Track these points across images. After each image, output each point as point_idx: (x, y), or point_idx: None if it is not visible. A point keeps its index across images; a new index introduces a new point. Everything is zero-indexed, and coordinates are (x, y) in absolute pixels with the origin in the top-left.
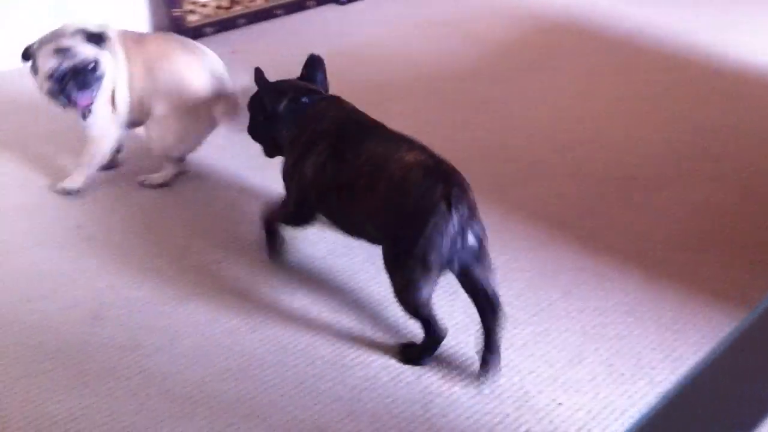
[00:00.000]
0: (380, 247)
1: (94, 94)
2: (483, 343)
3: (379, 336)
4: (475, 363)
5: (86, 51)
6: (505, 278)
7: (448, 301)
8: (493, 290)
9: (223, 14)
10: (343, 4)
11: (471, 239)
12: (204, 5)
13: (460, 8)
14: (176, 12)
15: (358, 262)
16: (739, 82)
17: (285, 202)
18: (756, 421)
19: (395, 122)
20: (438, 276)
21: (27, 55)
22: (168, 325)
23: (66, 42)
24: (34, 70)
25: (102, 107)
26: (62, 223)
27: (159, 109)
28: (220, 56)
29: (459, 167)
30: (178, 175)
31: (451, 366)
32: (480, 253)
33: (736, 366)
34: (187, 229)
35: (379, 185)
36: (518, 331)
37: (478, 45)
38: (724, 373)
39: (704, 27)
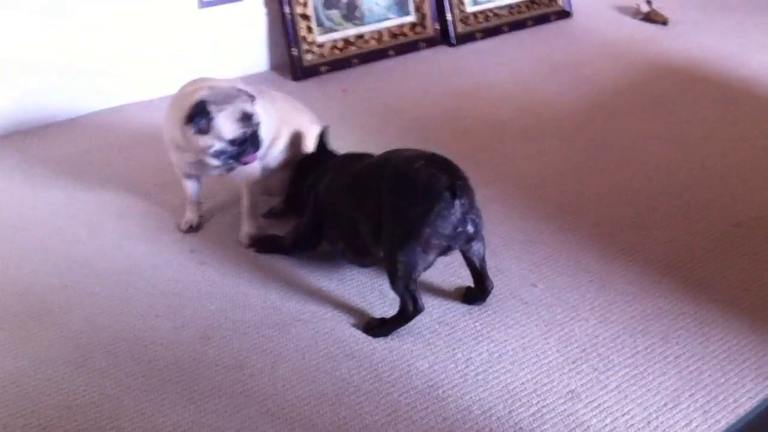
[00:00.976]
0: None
1: (260, 152)
2: (475, 285)
3: (471, 369)
4: (569, 402)
5: (259, 114)
6: (603, 320)
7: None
8: (482, 261)
9: (338, 54)
10: (454, 45)
11: (470, 227)
12: (320, 45)
13: (576, 51)
14: (294, 51)
15: (454, 297)
16: None
17: (297, 227)
18: None
19: (507, 163)
20: (435, 258)
21: (199, 116)
22: (271, 348)
23: (248, 108)
24: (203, 130)
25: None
26: (177, 247)
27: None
28: (333, 94)
29: (573, 208)
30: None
31: (541, 404)
32: (475, 237)
33: None
34: (294, 258)
35: (384, 172)
36: (612, 374)
37: (595, 88)
38: None
39: None
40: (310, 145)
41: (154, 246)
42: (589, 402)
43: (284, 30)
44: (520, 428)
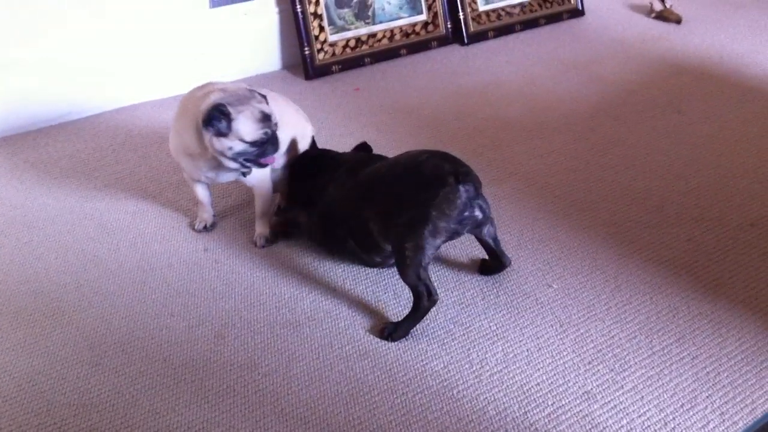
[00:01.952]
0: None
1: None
2: (492, 263)
3: (486, 369)
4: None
5: (275, 114)
6: (619, 320)
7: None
8: (495, 239)
9: (350, 53)
10: (466, 44)
11: (477, 212)
12: (332, 44)
13: (589, 50)
14: (306, 50)
15: (469, 297)
16: None
17: (311, 217)
18: None
19: (519, 162)
20: (443, 242)
21: (218, 118)
22: (285, 348)
23: (265, 108)
24: (222, 132)
25: None
26: (191, 246)
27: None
28: (345, 93)
29: (586, 207)
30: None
31: (557, 404)
32: (484, 222)
33: None
34: (308, 257)
35: (395, 170)
36: (628, 374)
37: (607, 86)
38: None
39: None
40: (305, 144)
41: (167, 245)
42: (605, 403)
43: (296, 29)
44: (536, 429)
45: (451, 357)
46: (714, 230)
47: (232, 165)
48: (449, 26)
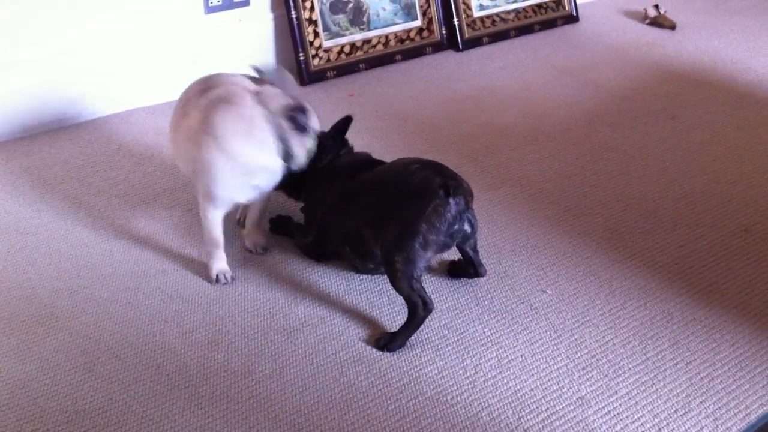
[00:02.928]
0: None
1: None
2: (468, 269)
3: (480, 375)
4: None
5: None
6: (613, 325)
7: None
8: (475, 250)
9: (345, 59)
10: (460, 50)
11: (466, 226)
12: (327, 50)
13: (583, 56)
14: (301, 56)
15: (463, 303)
16: None
17: (305, 232)
18: None
19: (514, 167)
20: (433, 255)
21: (304, 120)
22: (279, 354)
23: (306, 104)
24: (305, 130)
25: None
26: (185, 251)
27: None
28: (339, 99)
29: (579, 213)
30: None
31: (551, 410)
32: (472, 235)
33: None
34: (302, 263)
35: (385, 178)
36: (622, 380)
37: (600, 92)
38: None
39: None
40: None
41: (161, 250)
42: (599, 408)
43: (291, 35)
44: None
45: (445, 363)
46: (708, 236)
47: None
48: (444, 32)
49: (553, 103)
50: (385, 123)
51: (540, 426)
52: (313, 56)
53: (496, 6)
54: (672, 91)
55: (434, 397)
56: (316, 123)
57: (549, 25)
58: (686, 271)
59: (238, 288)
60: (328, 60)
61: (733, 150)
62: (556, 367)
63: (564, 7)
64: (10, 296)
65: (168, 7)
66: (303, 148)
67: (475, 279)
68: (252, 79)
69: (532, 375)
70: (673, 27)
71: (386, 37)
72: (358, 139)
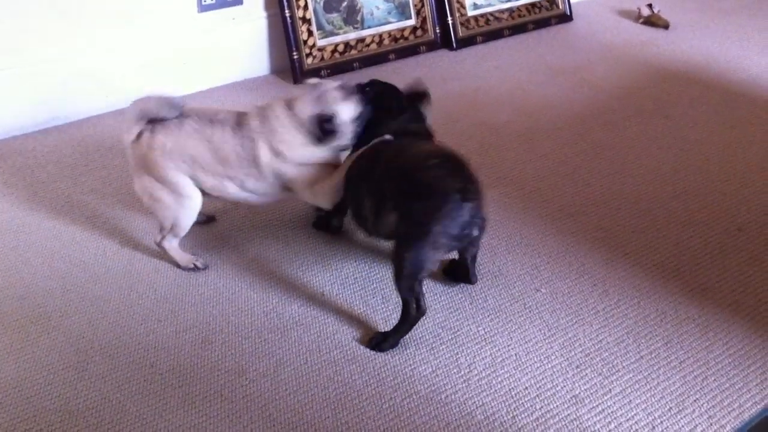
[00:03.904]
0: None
1: None
2: (459, 275)
3: (474, 373)
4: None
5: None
6: (606, 324)
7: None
8: (474, 258)
9: (339, 58)
10: (454, 49)
11: (475, 231)
12: (321, 49)
13: (577, 55)
14: (295, 55)
15: (457, 301)
16: None
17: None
18: None
19: (508, 167)
20: (442, 257)
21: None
22: (272, 353)
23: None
24: (333, 132)
25: None
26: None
27: None
28: None
29: (574, 212)
30: None
31: (545, 408)
32: (478, 240)
33: None
34: (296, 262)
35: (403, 169)
36: (616, 378)
37: (593, 91)
38: None
39: None
40: None
41: (155, 249)
42: (593, 407)
43: (285, 34)
44: None
45: (440, 361)
46: (701, 234)
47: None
48: (438, 31)
49: (547, 102)
50: None
51: (534, 424)
52: (307, 55)
53: (490, 5)
54: (665, 90)
55: (428, 395)
56: (349, 111)
57: (543, 24)
58: (680, 270)
59: (232, 287)
60: (322, 59)
61: (727, 149)
62: (550, 366)
63: (558, 6)
64: (3, 295)
65: (161, 6)
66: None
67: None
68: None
69: (526, 373)
70: (666, 26)
71: (380, 35)
72: None
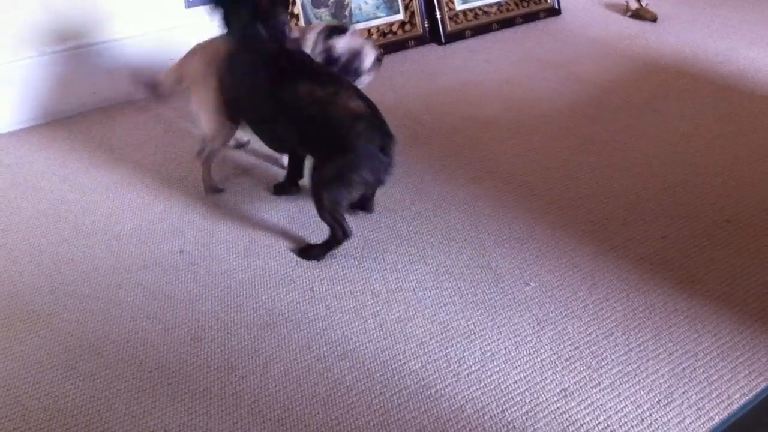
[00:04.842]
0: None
1: None
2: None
3: (464, 368)
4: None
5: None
6: (596, 317)
7: None
8: (372, 198)
9: None
10: (443, 43)
11: (387, 177)
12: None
13: (565, 49)
14: None
15: (447, 296)
16: None
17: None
18: None
19: (497, 160)
20: (357, 196)
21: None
22: (262, 349)
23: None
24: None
25: None
26: (167, 248)
27: None
28: None
29: (564, 205)
30: None
31: (534, 402)
32: (386, 182)
33: None
34: (285, 258)
35: (327, 113)
36: (605, 371)
37: (582, 85)
38: None
39: None
40: None
41: (143, 247)
42: (582, 400)
43: None
44: (513, 427)
45: (429, 356)
46: (690, 227)
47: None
48: (426, 26)
49: (536, 96)
50: None
51: (524, 418)
52: None
53: None
54: (654, 83)
55: (418, 390)
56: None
57: (531, 18)
58: (668, 262)
59: (221, 284)
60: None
61: (715, 141)
62: (539, 359)
63: (546, 0)
64: None
65: (148, 2)
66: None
67: (458, 271)
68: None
69: (516, 367)
70: (654, 19)
71: (368, 30)
72: None
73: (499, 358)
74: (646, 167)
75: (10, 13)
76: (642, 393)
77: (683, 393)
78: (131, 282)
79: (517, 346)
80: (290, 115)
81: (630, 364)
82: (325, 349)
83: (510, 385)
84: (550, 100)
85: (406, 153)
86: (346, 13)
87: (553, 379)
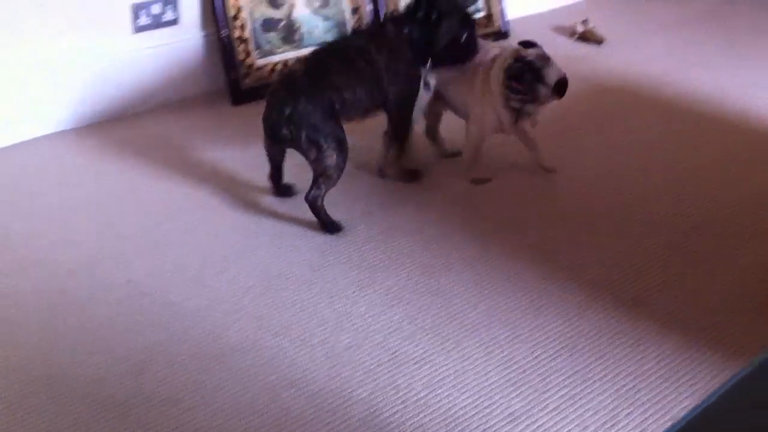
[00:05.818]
0: None
1: None
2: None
3: (412, 394)
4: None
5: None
6: (543, 340)
7: None
8: (315, 181)
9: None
10: None
11: (285, 131)
12: (259, 68)
13: None
14: (232, 75)
15: (396, 321)
16: None
17: None
18: None
19: (447, 183)
20: (276, 148)
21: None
22: (208, 381)
23: None
24: None
25: None
26: (115, 278)
27: None
28: None
29: (512, 228)
30: None
31: (483, 427)
32: (294, 142)
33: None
34: (235, 285)
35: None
36: (552, 394)
37: None
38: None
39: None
40: None
41: (89, 277)
42: (530, 424)
43: (222, 54)
44: None
45: (377, 383)
46: (637, 245)
47: None
48: None
49: None
50: None
51: None
52: (245, 75)
53: None
54: (601, 103)
55: (366, 419)
56: None
57: None
58: (615, 284)
59: (169, 313)
60: (260, 78)
61: (662, 161)
62: (487, 384)
63: (494, 24)
64: None
65: (95, 27)
66: None
67: (408, 295)
68: None
69: (464, 392)
70: (600, 42)
71: None
72: (291, 157)
73: (447, 383)
74: (594, 188)
75: None
76: (587, 416)
77: (627, 414)
78: (75, 315)
79: (466, 371)
80: None
81: (576, 386)
82: (272, 378)
83: (458, 410)
84: None
85: (358, 178)
86: (296, 37)
87: (501, 403)
